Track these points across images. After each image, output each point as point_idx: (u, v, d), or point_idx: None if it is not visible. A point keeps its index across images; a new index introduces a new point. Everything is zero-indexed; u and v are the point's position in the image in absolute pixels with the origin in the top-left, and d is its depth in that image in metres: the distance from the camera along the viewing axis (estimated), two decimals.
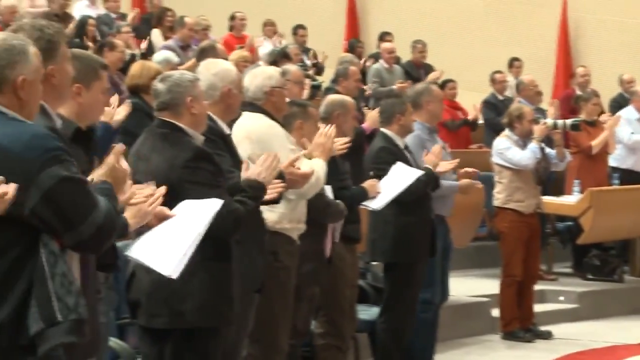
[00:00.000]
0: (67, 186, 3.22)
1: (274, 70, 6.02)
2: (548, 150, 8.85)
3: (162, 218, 4.04)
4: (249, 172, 4.80)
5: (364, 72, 13.28)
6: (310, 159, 5.73)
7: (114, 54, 9.50)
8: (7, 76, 3.28)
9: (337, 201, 6.17)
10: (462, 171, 7.60)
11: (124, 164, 3.64)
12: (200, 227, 4.08)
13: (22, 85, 3.29)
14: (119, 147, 3.64)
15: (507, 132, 8.84)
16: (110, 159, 3.59)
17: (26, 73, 3.31)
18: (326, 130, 5.87)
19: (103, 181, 3.53)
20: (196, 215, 4.14)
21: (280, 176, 5.05)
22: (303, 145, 5.88)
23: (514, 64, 13.83)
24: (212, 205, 4.21)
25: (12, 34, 3.43)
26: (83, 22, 12.25)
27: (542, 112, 10.91)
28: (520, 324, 8.86)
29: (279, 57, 11.04)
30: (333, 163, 6.35)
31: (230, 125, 5.25)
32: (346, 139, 6.22)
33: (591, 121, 10.53)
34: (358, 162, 7.38)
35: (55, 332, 3.18)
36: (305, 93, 10.22)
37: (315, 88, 11.84)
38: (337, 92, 8.19)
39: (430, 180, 7.01)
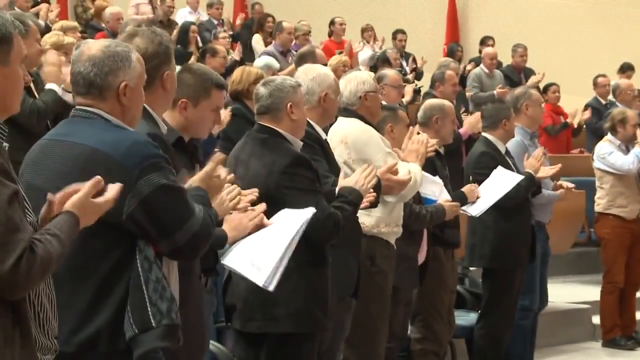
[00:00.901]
0: (165, 194, 3.26)
1: (368, 75, 6.02)
2: None
3: (260, 227, 4.05)
4: (347, 180, 4.82)
5: (464, 77, 13.26)
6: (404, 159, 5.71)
7: (216, 59, 9.65)
8: (110, 83, 3.35)
9: (419, 207, 6.11)
10: (558, 184, 7.55)
11: (223, 173, 3.68)
12: (294, 237, 4.08)
13: (124, 91, 3.36)
14: (219, 155, 3.69)
15: (609, 136, 8.72)
16: (208, 167, 3.64)
17: (129, 79, 3.37)
18: (419, 137, 5.86)
19: (198, 187, 3.57)
20: (291, 225, 4.15)
21: (377, 183, 5.05)
22: (397, 150, 5.88)
23: (626, 71, 13.48)
24: (305, 214, 4.21)
25: (116, 41, 3.50)
26: (185, 28, 12.46)
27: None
28: (622, 332, 8.72)
29: (378, 62, 11.08)
30: (432, 168, 6.36)
31: (325, 130, 5.27)
32: (433, 141, 6.18)
33: None
34: (456, 166, 7.38)
35: (149, 337, 3.22)
36: (407, 98, 10.27)
37: (415, 92, 11.86)
38: (435, 97, 8.19)
39: (530, 185, 6.95)
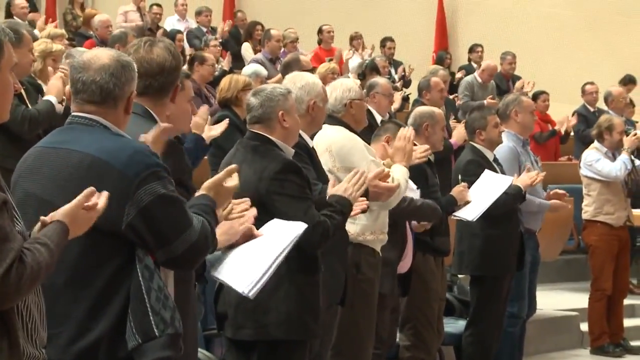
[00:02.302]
0: (164, 203, 3.27)
1: (354, 83, 6.03)
2: (638, 162, 8.73)
3: (249, 237, 4.05)
4: (336, 188, 4.82)
5: (454, 85, 13.31)
6: (390, 165, 5.71)
7: (204, 67, 9.66)
8: (126, 93, 3.38)
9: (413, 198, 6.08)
10: (553, 192, 7.55)
11: (233, 182, 3.68)
12: (282, 250, 4.06)
13: (131, 101, 3.40)
14: (234, 167, 3.70)
15: (596, 144, 8.74)
16: (220, 175, 3.65)
17: (133, 89, 3.42)
18: (405, 133, 5.83)
19: (205, 195, 3.58)
20: (281, 237, 4.13)
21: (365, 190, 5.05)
22: (382, 153, 5.87)
23: (627, 83, 13.33)
24: (296, 228, 4.20)
25: (117, 51, 3.51)
26: (172, 36, 12.47)
27: (632, 124, 10.77)
28: (610, 339, 8.74)
29: (367, 70, 11.10)
30: (423, 175, 6.36)
31: (310, 138, 5.27)
32: (426, 147, 6.19)
33: None
34: (446, 175, 7.39)
35: (152, 346, 3.22)
36: (395, 105, 10.29)
37: (404, 100, 11.88)
38: (423, 104, 8.21)
39: (518, 198, 6.93)
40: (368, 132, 6.18)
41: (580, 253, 9.54)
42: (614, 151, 8.64)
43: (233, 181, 3.67)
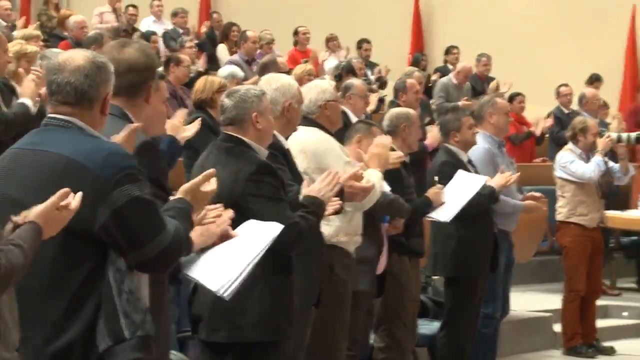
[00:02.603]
0: (138, 206, 3.27)
1: (328, 84, 6.05)
2: (612, 163, 8.78)
3: (225, 238, 4.05)
4: (309, 189, 4.82)
5: (429, 87, 13.34)
6: (365, 169, 5.72)
7: (179, 69, 9.64)
8: (101, 94, 3.39)
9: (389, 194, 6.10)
10: (530, 195, 7.59)
11: (211, 187, 3.68)
12: (258, 250, 4.07)
13: (107, 102, 3.41)
14: (212, 171, 3.70)
15: (570, 145, 8.77)
16: (198, 179, 3.65)
17: (110, 90, 3.43)
18: (382, 141, 5.87)
19: (182, 199, 3.58)
20: (256, 238, 4.14)
21: (340, 190, 5.07)
22: (359, 157, 5.88)
23: (594, 82, 13.42)
24: (272, 229, 4.20)
25: (93, 52, 3.51)
26: (146, 38, 12.45)
27: (606, 126, 10.82)
28: (583, 340, 8.77)
29: (343, 72, 11.11)
30: (399, 177, 6.38)
31: (285, 139, 5.27)
32: (400, 153, 6.22)
33: None
34: (420, 177, 7.41)
35: (123, 349, 3.22)
36: (371, 107, 10.30)
37: (379, 102, 11.90)
38: (399, 106, 8.23)
39: (492, 199, 6.96)
40: (343, 134, 6.20)
41: (554, 254, 9.57)
42: (588, 153, 8.68)
43: (211, 185, 3.68)
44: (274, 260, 4.46)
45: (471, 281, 7.05)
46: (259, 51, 12.48)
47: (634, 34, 15.42)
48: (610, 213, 9.26)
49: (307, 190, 4.83)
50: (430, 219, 6.79)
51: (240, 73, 9.63)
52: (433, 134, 8.40)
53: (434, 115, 12.06)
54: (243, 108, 4.76)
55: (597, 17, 15.58)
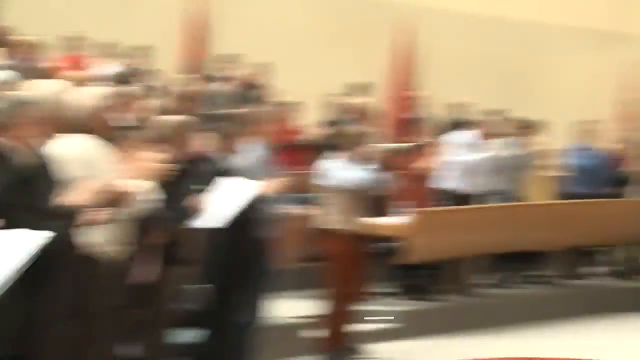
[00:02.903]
0: None
1: (100, 91, 6.06)
2: (373, 171, 8.97)
3: None
4: (70, 196, 4.81)
5: (201, 94, 13.44)
6: (135, 178, 5.75)
7: None
8: None
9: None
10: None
11: None
12: (18, 261, 4.04)
13: None
14: None
15: (334, 153, 8.94)
16: None
17: None
18: (150, 155, 5.94)
19: None
20: (16, 248, 4.09)
21: (107, 198, 5.10)
22: (129, 165, 5.93)
23: (366, 90, 13.81)
24: (33, 239, 4.16)
25: None
26: None
27: (372, 134, 11.17)
28: (341, 345, 8.90)
29: (118, 78, 11.11)
30: (170, 185, 6.41)
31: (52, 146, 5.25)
32: (171, 163, 6.29)
33: (417, 144, 10.75)
34: (187, 185, 7.51)
35: None
36: (144, 114, 10.31)
37: (153, 110, 11.91)
38: (174, 114, 8.32)
39: (256, 204, 7.10)
40: (115, 141, 6.22)
41: (313, 261, 9.61)
42: (351, 160, 8.87)
43: None
44: (28, 272, 4.41)
45: (227, 289, 7.14)
46: (29, 56, 12.27)
47: (402, 46, 15.96)
48: (368, 219, 9.31)
49: (68, 198, 4.81)
50: (196, 227, 6.83)
51: (10, 78, 9.48)
52: (206, 141, 8.52)
53: (208, 122, 12.16)
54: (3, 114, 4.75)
55: (372, 27, 15.99)
